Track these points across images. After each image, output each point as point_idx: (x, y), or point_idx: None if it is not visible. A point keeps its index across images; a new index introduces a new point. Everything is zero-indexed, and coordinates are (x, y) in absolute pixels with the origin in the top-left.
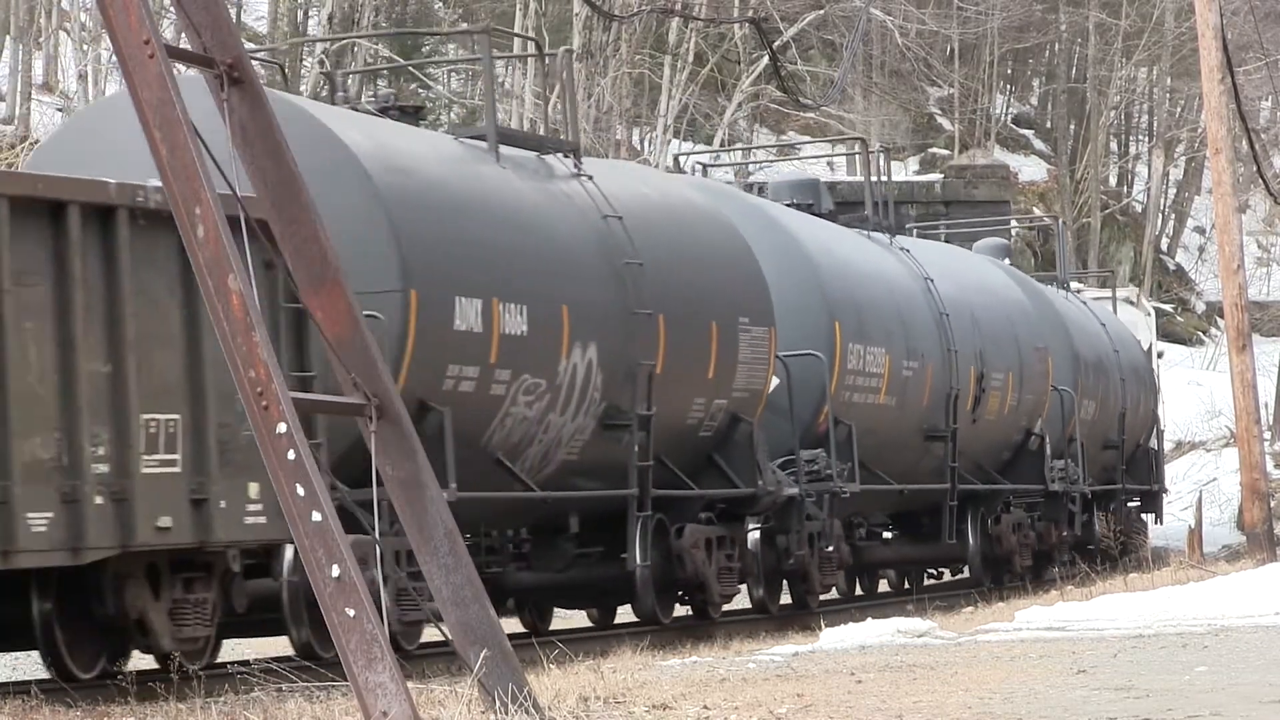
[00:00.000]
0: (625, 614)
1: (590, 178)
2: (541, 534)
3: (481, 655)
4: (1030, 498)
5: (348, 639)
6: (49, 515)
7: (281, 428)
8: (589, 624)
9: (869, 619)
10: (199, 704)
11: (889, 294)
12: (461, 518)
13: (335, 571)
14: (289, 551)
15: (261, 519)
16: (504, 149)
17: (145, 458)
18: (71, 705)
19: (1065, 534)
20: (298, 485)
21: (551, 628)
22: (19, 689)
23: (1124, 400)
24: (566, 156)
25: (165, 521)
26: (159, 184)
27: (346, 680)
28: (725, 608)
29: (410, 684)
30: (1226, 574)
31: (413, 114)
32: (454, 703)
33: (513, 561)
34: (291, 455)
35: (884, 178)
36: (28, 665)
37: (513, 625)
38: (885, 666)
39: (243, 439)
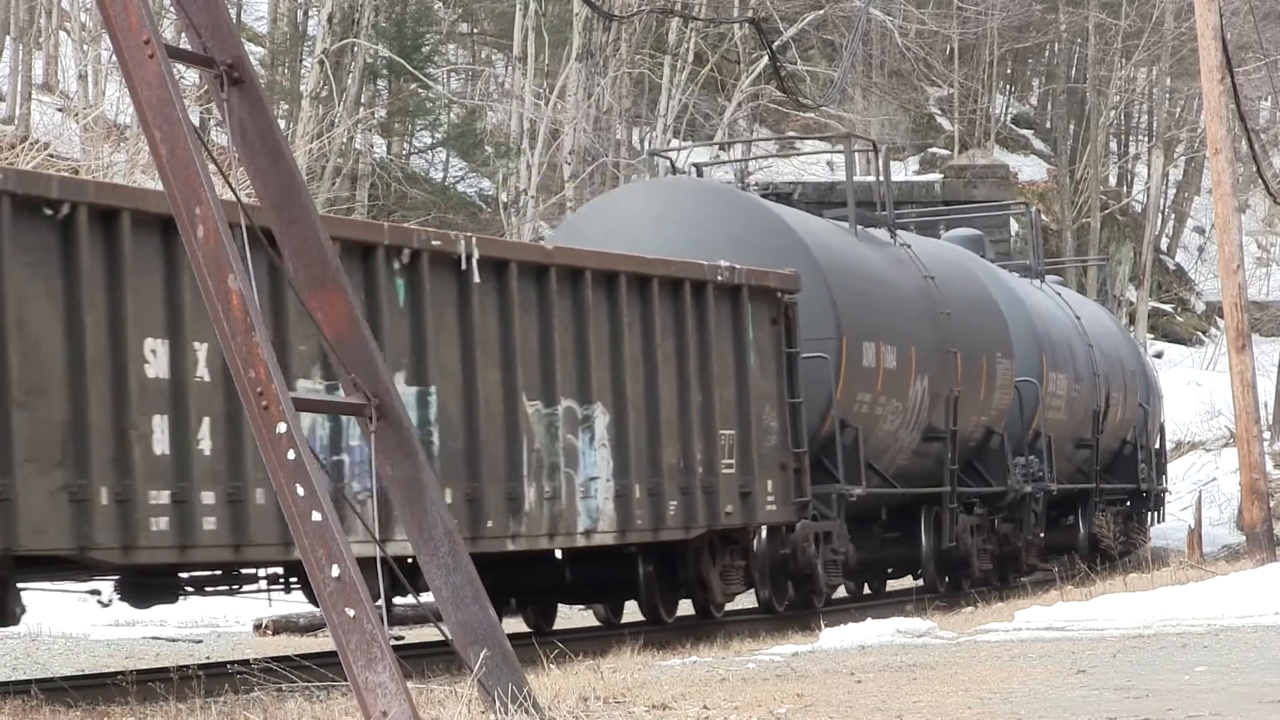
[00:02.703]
0: (624, 615)
1: (908, 246)
2: (855, 522)
3: (481, 655)
4: (1120, 495)
5: (348, 639)
6: (675, 503)
7: (281, 428)
8: (587, 624)
9: (869, 619)
10: (199, 704)
11: (1063, 331)
12: (865, 509)
13: (335, 571)
14: (762, 531)
15: (773, 506)
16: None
17: (722, 462)
18: (71, 705)
19: (1147, 526)
20: (298, 485)
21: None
22: (19, 689)
23: (1162, 413)
24: (888, 231)
25: (730, 509)
26: (729, 264)
27: (346, 680)
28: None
29: (410, 684)
30: (1226, 574)
31: (786, 197)
32: (454, 703)
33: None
34: (291, 455)
35: (1038, 233)
36: (28, 666)
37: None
38: (885, 666)
39: (764, 447)
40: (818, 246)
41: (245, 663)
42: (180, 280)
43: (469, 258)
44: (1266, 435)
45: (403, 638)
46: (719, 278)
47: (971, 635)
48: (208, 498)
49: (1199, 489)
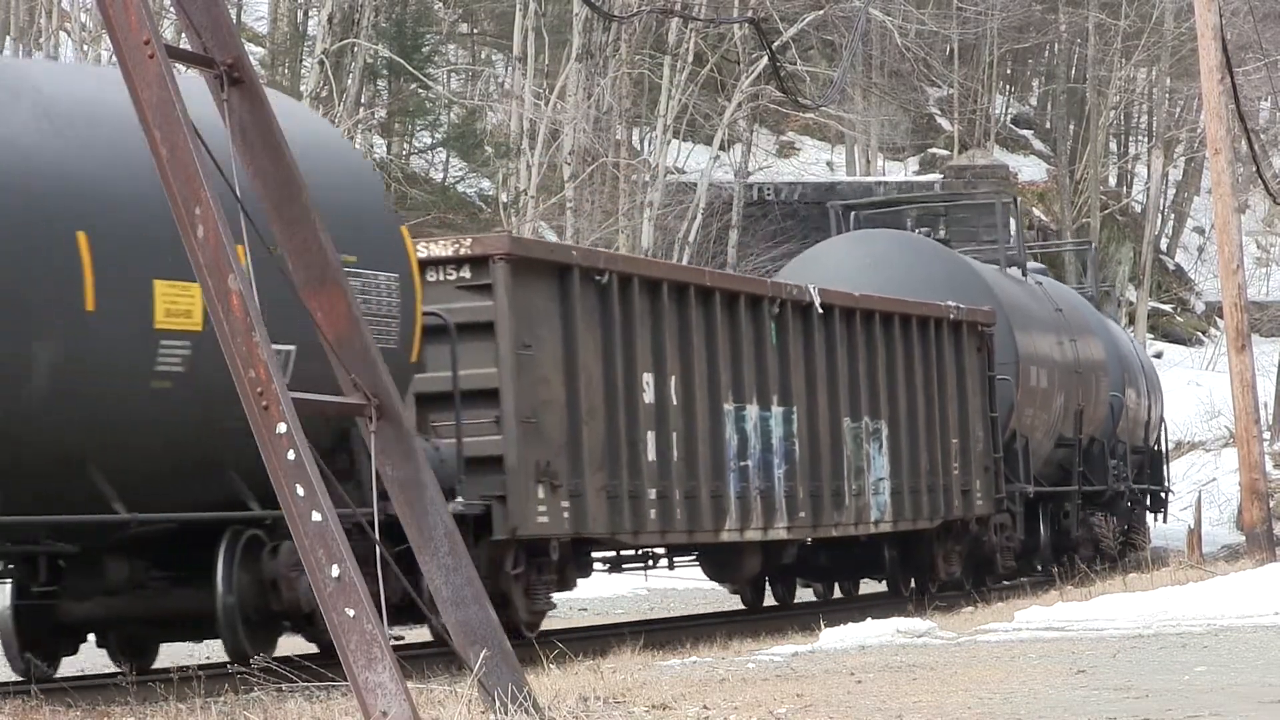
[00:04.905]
0: (624, 614)
1: (1040, 282)
2: None
3: (481, 655)
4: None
5: (347, 639)
6: (925, 498)
7: (281, 428)
8: (587, 624)
9: (869, 619)
10: (199, 704)
11: (1130, 352)
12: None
13: (335, 571)
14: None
15: (981, 501)
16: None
17: (952, 465)
18: (71, 705)
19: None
20: (298, 485)
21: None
22: (19, 689)
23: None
24: (1020, 271)
25: (957, 503)
26: (954, 304)
27: (346, 680)
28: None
29: (410, 684)
30: (1226, 574)
31: (943, 240)
32: (454, 703)
33: None
34: (291, 455)
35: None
36: None
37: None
38: (885, 666)
39: (975, 452)
40: (996, 287)
41: (245, 662)
42: (662, 326)
43: (813, 303)
44: (1266, 435)
45: (403, 638)
46: (950, 315)
47: (971, 635)
48: (677, 494)
49: (1199, 489)
